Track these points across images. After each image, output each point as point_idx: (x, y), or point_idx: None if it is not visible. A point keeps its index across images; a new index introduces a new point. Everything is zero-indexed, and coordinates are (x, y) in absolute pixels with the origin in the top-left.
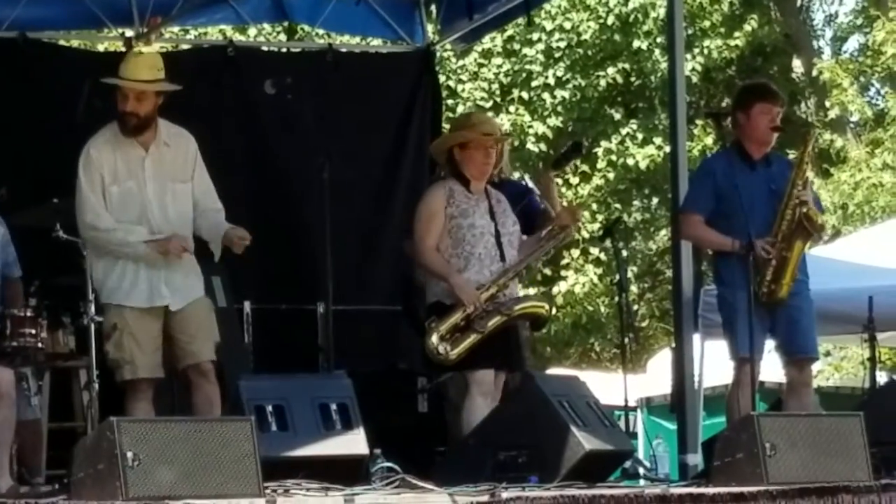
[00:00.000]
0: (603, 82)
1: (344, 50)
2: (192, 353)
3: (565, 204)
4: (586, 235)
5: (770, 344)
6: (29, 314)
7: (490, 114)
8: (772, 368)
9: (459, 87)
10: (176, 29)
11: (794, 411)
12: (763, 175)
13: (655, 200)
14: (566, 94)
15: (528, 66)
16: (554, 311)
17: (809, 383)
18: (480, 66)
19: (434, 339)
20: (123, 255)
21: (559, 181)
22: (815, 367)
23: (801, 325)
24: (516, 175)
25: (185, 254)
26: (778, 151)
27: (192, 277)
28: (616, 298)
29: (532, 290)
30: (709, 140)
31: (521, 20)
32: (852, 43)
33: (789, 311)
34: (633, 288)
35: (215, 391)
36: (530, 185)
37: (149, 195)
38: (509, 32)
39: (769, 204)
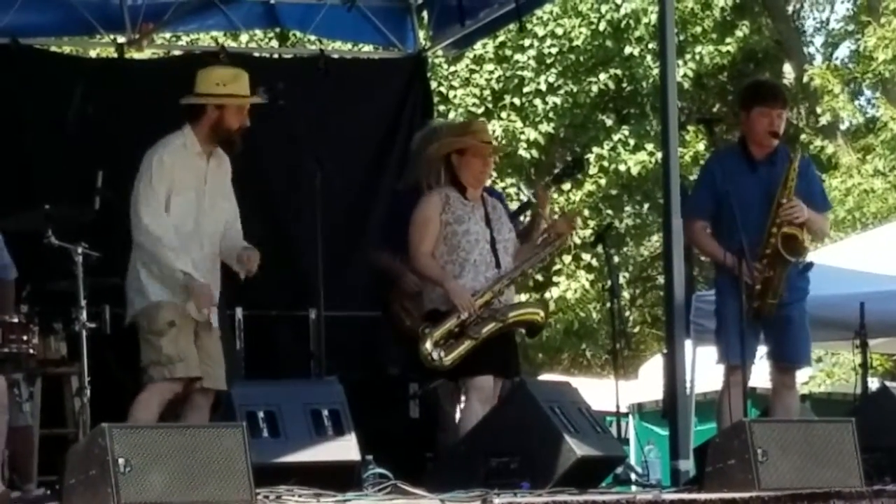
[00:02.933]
0: (595, 88)
1: (336, 56)
2: (210, 377)
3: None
4: (578, 241)
5: (762, 350)
6: (20, 320)
7: (482, 120)
8: (765, 375)
9: (451, 94)
10: (168, 35)
11: (778, 415)
12: (765, 176)
13: (647, 206)
14: (558, 100)
15: (519, 72)
16: (547, 318)
17: (793, 387)
18: (472, 72)
19: (428, 345)
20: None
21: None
22: (807, 373)
23: (790, 333)
24: (509, 181)
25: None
26: (785, 148)
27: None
28: (608, 304)
29: (524, 297)
30: (701, 146)
31: (512, 26)
32: (843, 49)
33: (780, 321)
34: (625, 294)
35: (207, 417)
36: (524, 192)
37: (205, 207)
38: (501, 38)
39: (766, 209)
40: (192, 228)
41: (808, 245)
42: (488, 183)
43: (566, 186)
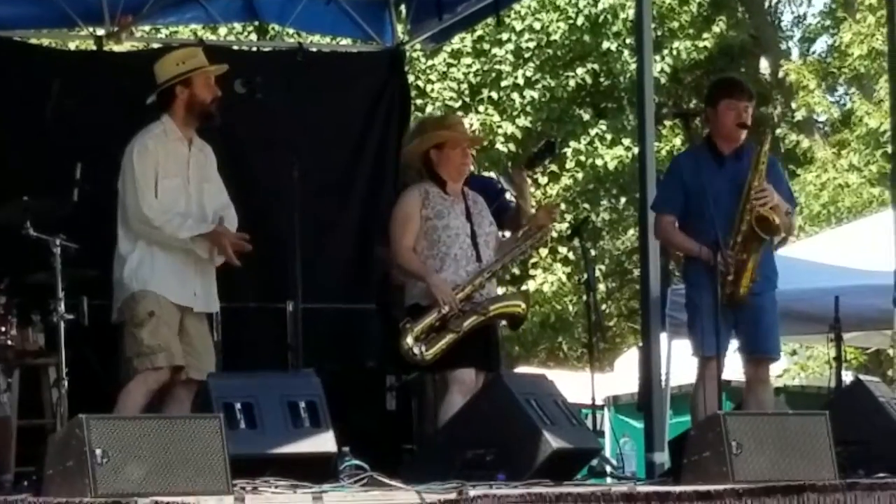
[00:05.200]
0: (572, 83)
1: (314, 49)
2: (194, 368)
3: (534, 204)
4: (555, 235)
5: (734, 344)
6: None
7: (459, 114)
8: (739, 368)
9: (429, 87)
10: (147, 28)
11: (752, 408)
12: (731, 171)
13: (623, 200)
14: (535, 95)
15: (497, 67)
16: (528, 310)
17: (767, 380)
18: (450, 66)
19: (409, 340)
20: (169, 247)
21: (528, 181)
22: (781, 366)
23: (762, 324)
24: (486, 175)
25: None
26: (751, 144)
27: (214, 289)
28: (584, 297)
29: (501, 290)
30: (677, 140)
31: (490, 20)
32: (820, 44)
33: (752, 311)
34: (601, 287)
35: (188, 408)
36: (504, 186)
37: (191, 192)
38: (479, 32)
39: (735, 201)
40: (183, 211)
41: (779, 225)
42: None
43: (543, 180)
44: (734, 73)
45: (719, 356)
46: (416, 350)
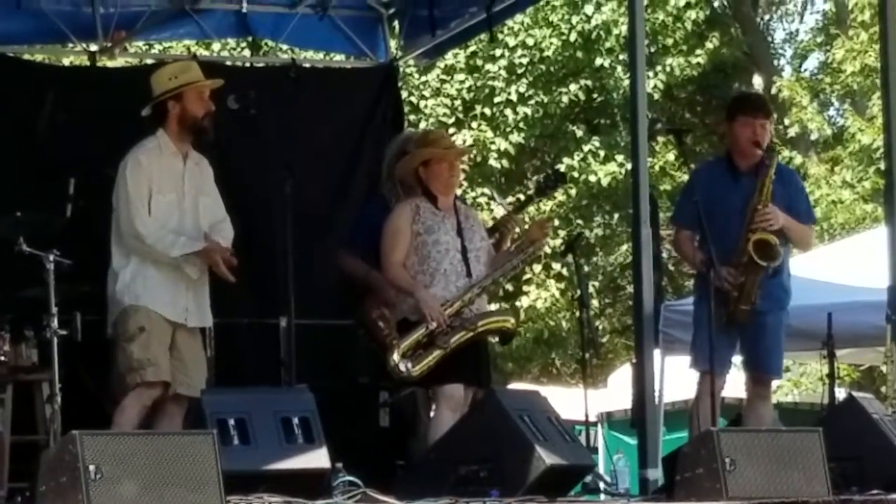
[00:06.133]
0: (565, 99)
1: (307, 65)
2: (184, 384)
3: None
4: (548, 251)
5: (738, 358)
6: None
7: (452, 130)
8: (731, 384)
9: (422, 103)
10: (140, 44)
11: (751, 424)
12: (747, 187)
13: (616, 216)
14: (528, 111)
15: (490, 83)
16: (518, 326)
17: (767, 397)
18: (443, 82)
19: (395, 356)
20: (162, 263)
21: (521, 196)
22: (774, 382)
23: (762, 343)
24: (479, 191)
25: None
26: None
27: (208, 304)
28: (577, 313)
29: (494, 306)
30: (671, 156)
31: (483, 36)
32: (812, 61)
33: (755, 329)
34: (594, 303)
35: (179, 424)
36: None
37: (186, 207)
38: (472, 48)
39: (746, 218)
40: (176, 227)
41: (780, 250)
42: (478, 192)
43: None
44: (753, 90)
45: (713, 371)
46: (402, 367)
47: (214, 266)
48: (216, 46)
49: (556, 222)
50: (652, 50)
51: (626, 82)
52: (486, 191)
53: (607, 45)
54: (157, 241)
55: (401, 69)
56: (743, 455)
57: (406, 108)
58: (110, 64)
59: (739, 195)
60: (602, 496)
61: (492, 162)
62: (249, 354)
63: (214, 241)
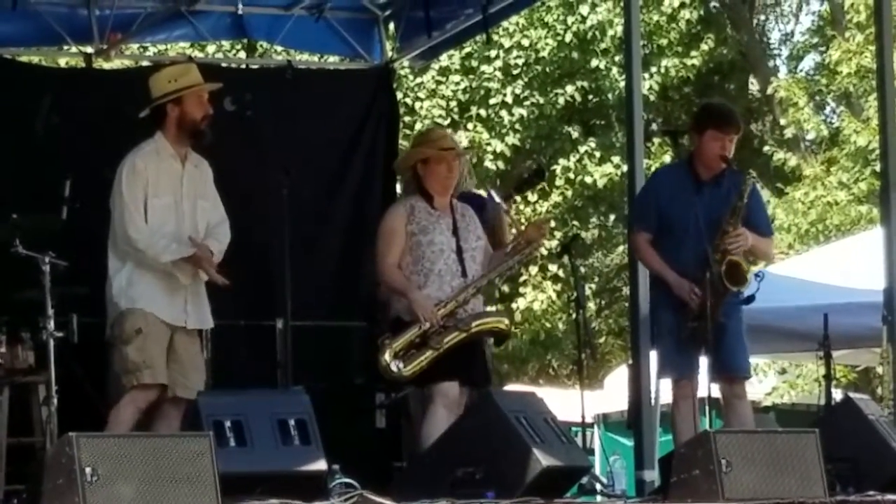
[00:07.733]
0: (561, 100)
1: (303, 67)
2: (181, 386)
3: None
4: (544, 252)
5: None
6: None
7: (448, 131)
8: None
9: (417, 105)
10: (136, 46)
11: (734, 425)
12: (708, 197)
13: (613, 217)
14: (524, 112)
15: (486, 84)
16: (512, 327)
17: (742, 395)
18: (438, 83)
19: (386, 356)
20: (155, 269)
21: (518, 199)
22: (771, 384)
23: (727, 344)
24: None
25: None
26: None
27: (207, 306)
28: (574, 315)
29: (489, 308)
30: (666, 157)
31: (479, 37)
32: (808, 62)
33: (718, 332)
34: (591, 304)
35: (176, 427)
36: (494, 197)
37: (184, 210)
38: (467, 50)
39: (707, 230)
40: (173, 230)
41: (748, 277)
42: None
43: (532, 198)
44: (724, 102)
45: (682, 377)
46: (393, 367)
47: (204, 271)
48: (211, 48)
49: (553, 223)
50: (647, 51)
51: (622, 83)
52: (482, 192)
53: (602, 46)
54: (149, 246)
55: (396, 71)
56: (739, 456)
57: (401, 110)
58: (106, 66)
59: (701, 205)
60: (598, 497)
61: (487, 163)
62: (246, 356)
63: (204, 247)
